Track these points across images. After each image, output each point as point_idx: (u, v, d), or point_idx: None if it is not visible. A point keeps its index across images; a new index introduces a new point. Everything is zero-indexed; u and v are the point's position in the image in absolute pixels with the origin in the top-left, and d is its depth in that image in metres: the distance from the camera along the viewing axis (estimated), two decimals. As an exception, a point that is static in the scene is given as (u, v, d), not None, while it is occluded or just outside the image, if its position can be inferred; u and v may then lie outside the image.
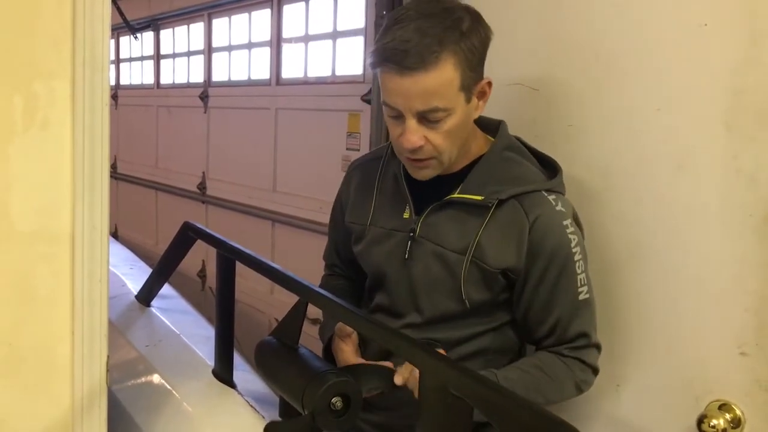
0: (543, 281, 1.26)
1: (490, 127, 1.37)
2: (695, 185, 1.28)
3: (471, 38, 1.19)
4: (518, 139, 1.38)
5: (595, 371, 1.32)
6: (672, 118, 1.32)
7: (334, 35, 3.19)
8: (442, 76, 1.16)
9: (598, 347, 1.32)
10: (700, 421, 1.23)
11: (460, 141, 1.26)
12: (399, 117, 1.22)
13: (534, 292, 1.27)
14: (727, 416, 1.22)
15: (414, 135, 1.20)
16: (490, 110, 1.44)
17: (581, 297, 1.28)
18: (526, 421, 0.80)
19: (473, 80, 1.22)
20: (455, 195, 1.29)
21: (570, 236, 1.27)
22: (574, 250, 1.27)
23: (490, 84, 1.26)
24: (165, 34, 4.69)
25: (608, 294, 1.38)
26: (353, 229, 1.45)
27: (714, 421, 1.22)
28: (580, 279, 1.28)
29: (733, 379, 1.23)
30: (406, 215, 1.34)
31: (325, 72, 3.27)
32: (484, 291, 1.28)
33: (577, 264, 1.27)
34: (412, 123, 1.20)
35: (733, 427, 1.22)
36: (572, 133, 1.48)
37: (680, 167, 1.30)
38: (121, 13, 3.93)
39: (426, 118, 1.20)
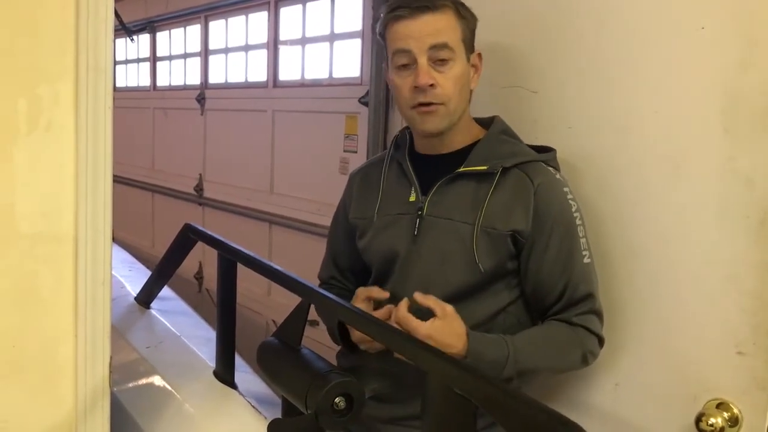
0: (550, 245, 1.32)
1: (485, 122, 1.45)
2: (692, 187, 1.30)
3: (465, 8, 1.35)
4: None
5: (601, 341, 1.36)
6: (669, 120, 1.33)
7: (331, 38, 3.19)
8: (449, 19, 1.32)
9: (601, 314, 1.36)
10: (699, 419, 1.24)
11: (463, 97, 1.35)
12: (410, 65, 1.32)
13: (542, 257, 1.32)
14: (725, 415, 1.23)
15: (426, 75, 1.30)
16: (490, 112, 1.45)
17: (585, 260, 1.34)
18: (532, 419, 0.80)
19: (470, 43, 1.36)
20: (461, 169, 1.35)
21: (570, 202, 1.34)
22: (575, 215, 1.34)
23: (480, 56, 1.39)
24: (161, 36, 4.68)
25: (606, 293, 1.39)
26: (358, 225, 1.47)
27: (712, 420, 1.23)
28: (583, 243, 1.34)
29: (730, 378, 1.25)
30: (412, 198, 1.40)
31: (322, 74, 3.27)
32: (493, 256, 1.33)
33: (578, 228, 1.34)
34: (423, 62, 1.30)
35: (730, 426, 1.23)
36: (571, 135, 1.50)
37: (677, 169, 1.32)
38: (118, 16, 3.93)
39: (435, 57, 1.30)
